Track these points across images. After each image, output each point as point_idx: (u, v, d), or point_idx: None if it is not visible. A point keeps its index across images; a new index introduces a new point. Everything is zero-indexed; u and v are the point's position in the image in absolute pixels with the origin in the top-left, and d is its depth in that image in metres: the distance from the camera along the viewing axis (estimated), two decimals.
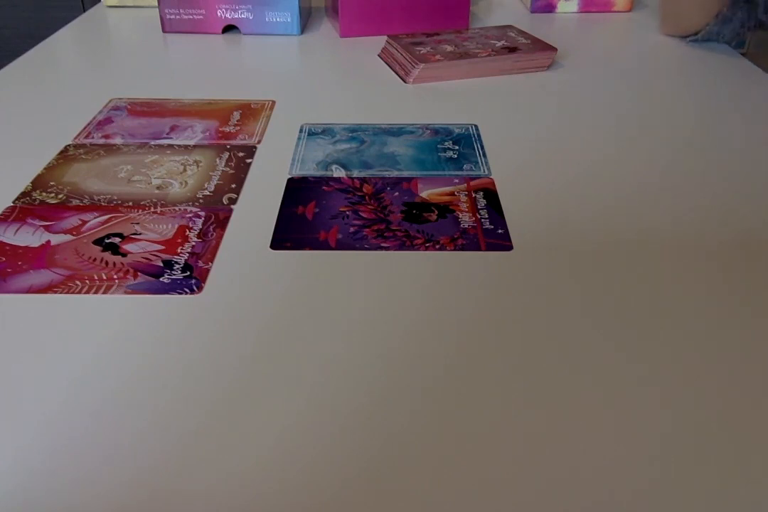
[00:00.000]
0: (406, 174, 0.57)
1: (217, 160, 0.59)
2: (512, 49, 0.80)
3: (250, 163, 0.59)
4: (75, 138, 0.63)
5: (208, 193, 0.54)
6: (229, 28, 0.93)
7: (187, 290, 0.43)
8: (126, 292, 0.43)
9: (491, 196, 0.54)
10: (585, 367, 0.37)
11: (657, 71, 0.80)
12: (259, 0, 0.90)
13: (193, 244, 0.47)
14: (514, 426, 0.33)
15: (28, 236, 0.48)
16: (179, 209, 0.52)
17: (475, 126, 0.66)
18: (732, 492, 0.30)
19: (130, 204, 0.52)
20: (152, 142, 0.62)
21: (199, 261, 0.46)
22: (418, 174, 0.57)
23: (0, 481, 0.31)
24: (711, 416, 0.34)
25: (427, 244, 0.48)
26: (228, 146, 0.62)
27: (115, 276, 0.44)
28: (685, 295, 0.43)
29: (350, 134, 0.64)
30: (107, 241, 0.48)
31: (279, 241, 0.48)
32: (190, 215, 0.51)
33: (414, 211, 0.52)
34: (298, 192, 0.54)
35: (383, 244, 0.48)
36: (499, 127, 0.65)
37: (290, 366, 0.37)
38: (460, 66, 0.77)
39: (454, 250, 0.47)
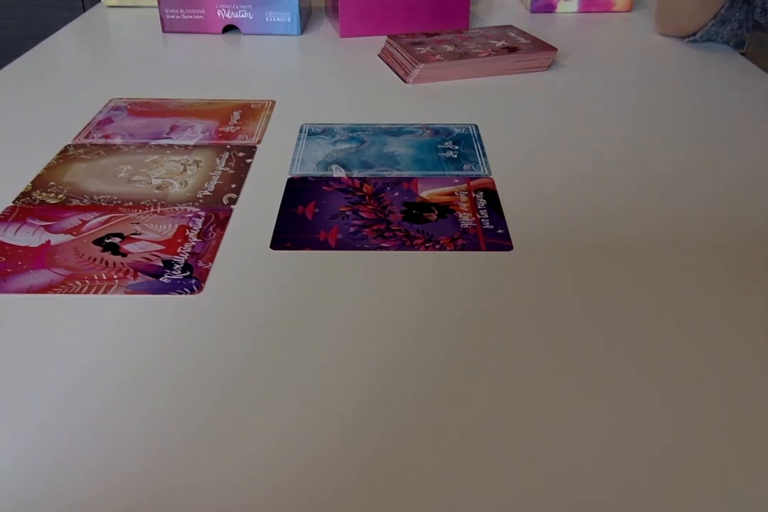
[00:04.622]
0: (406, 174, 0.57)
1: (217, 160, 0.59)
2: (512, 49, 0.80)
3: (250, 163, 0.59)
4: (75, 138, 0.63)
5: (208, 193, 0.54)
6: (229, 28, 0.93)
7: (187, 290, 0.43)
8: (126, 292, 0.43)
9: (491, 196, 0.54)
10: (585, 367, 0.37)
11: (657, 71, 0.80)
12: (259, 0, 0.90)
13: (193, 244, 0.47)
14: (514, 427, 0.33)
15: (28, 236, 0.48)
16: (179, 209, 0.52)
17: (475, 126, 0.66)
18: (732, 492, 0.30)
19: (130, 204, 0.52)
20: (152, 142, 0.62)
21: (199, 262, 0.46)
22: (418, 174, 0.57)
23: (0, 481, 0.31)
24: (712, 417, 0.34)
25: (427, 244, 0.48)
26: (228, 146, 0.62)
27: (115, 277, 0.44)
28: (687, 295, 0.43)
29: (350, 134, 0.64)
30: (107, 241, 0.48)
31: (279, 241, 0.48)
32: (190, 215, 0.51)
33: (414, 211, 0.52)
34: (298, 192, 0.54)
35: (383, 244, 0.48)
36: (499, 127, 0.65)
37: (290, 366, 0.37)
38: (460, 66, 0.77)
39: (454, 250, 0.47)
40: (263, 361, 0.37)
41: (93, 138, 0.63)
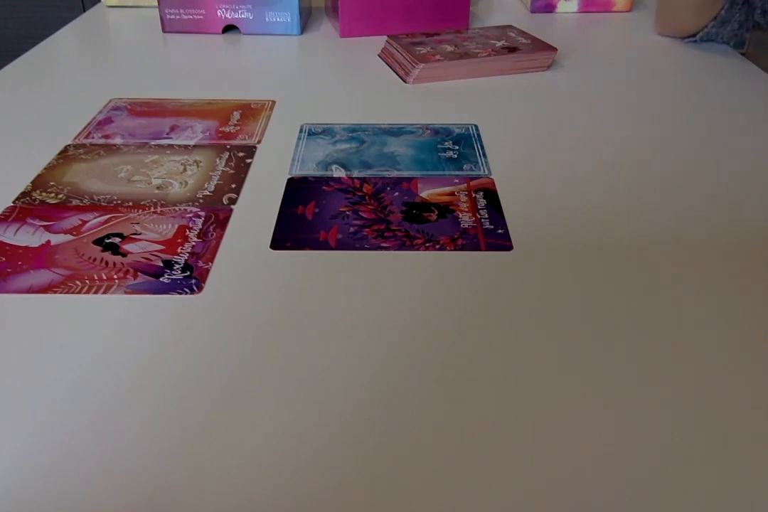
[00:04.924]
0: (406, 174, 0.57)
1: (217, 160, 0.59)
2: (512, 49, 0.80)
3: (250, 163, 0.59)
4: (75, 138, 0.63)
5: (208, 193, 0.54)
6: (229, 28, 0.93)
7: (187, 290, 0.43)
8: (126, 292, 0.43)
9: (491, 196, 0.54)
10: (585, 367, 0.37)
11: (657, 71, 0.80)
12: (259, 0, 0.90)
13: (193, 244, 0.47)
14: (514, 427, 0.33)
15: (28, 236, 0.48)
16: (179, 209, 0.52)
17: (475, 126, 0.66)
18: (732, 492, 0.30)
19: (130, 204, 0.52)
20: (152, 142, 0.62)
21: (199, 262, 0.46)
22: (418, 174, 0.57)
23: (0, 481, 0.31)
24: (712, 417, 0.34)
25: (427, 244, 0.48)
26: (228, 146, 0.62)
27: (115, 277, 0.44)
28: (687, 295, 0.43)
29: (350, 134, 0.64)
30: (107, 241, 0.48)
31: (279, 241, 0.48)
32: (190, 215, 0.51)
33: (414, 211, 0.52)
34: (298, 192, 0.54)
35: (383, 244, 0.48)
36: (499, 127, 0.65)
37: (290, 366, 0.37)
38: (460, 66, 0.77)
39: (454, 249, 0.47)
40: (263, 361, 0.37)
41: (93, 138, 0.63)
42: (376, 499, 0.30)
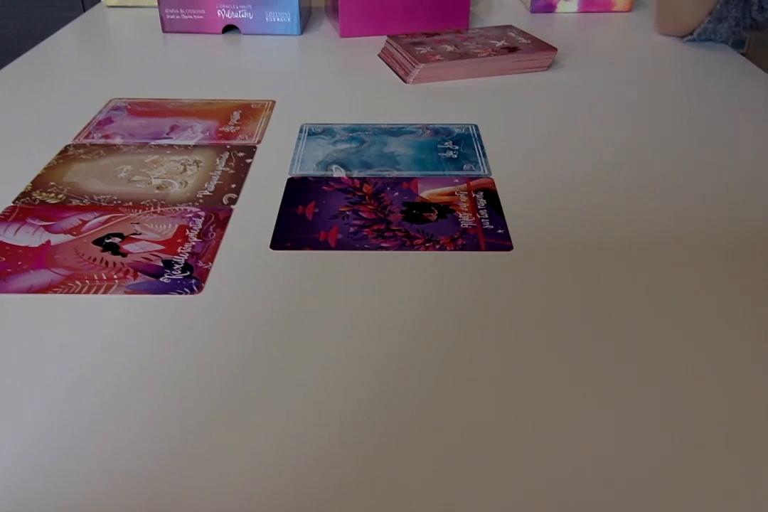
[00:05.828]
0: (406, 174, 0.57)
1: (217, 160, 0.59)
2: (512, 49, 0.80)
3: (250, 163, 0.59)
4: (75, 138, 0.63)
5: (208, 193, 0.54)
6: (229, 28, 0.93)
7: (187, 290, 0.43)
8: (126, 292, 0.43)
9: (491, 196, 0.54)
10: (585, 367, 0.37)
11: (657, 71, 0.80)
12: (259, 0, 0.90)
13: (193, 243, 0.47)
14: (514, 427, 0.33)
15: (28, 236, 0.48)
16: (179, 209, 0.52)
17: (475, 126, 0.66)
18: (733, 492, 0.30)
19: (130, 204, 0.52)
20: (152, 142, 0.62)
21: (199, 262, 0.46)
22: (418, 174, 0.57)
23: (0, 481, 0.31)
24: (712, 417, 0.34)
25: (427, 244, 0.48)
26: (228, 146, 0.62)
27: (115, 277, 0.44)
28: (687, 295, 0.43)
29: (350, 134, 0.64)
30: (107, 241, 0.48)
31: (279, 241, 0.48)
32: (190, 215, 0.51)
33: (414, 211, 0.52)
34: (298, 192, 0.54)
35: (383, 244, 0.48)
36: (499, 127, 0.65)
37: (290, 366, 0.37)
38: (460, 66, 0.77)
39: (454, 250, 0.47)
40: (263, 361, 0.37)
41: (93, 138, 0.63)
42: (376, 499, 0.30)
